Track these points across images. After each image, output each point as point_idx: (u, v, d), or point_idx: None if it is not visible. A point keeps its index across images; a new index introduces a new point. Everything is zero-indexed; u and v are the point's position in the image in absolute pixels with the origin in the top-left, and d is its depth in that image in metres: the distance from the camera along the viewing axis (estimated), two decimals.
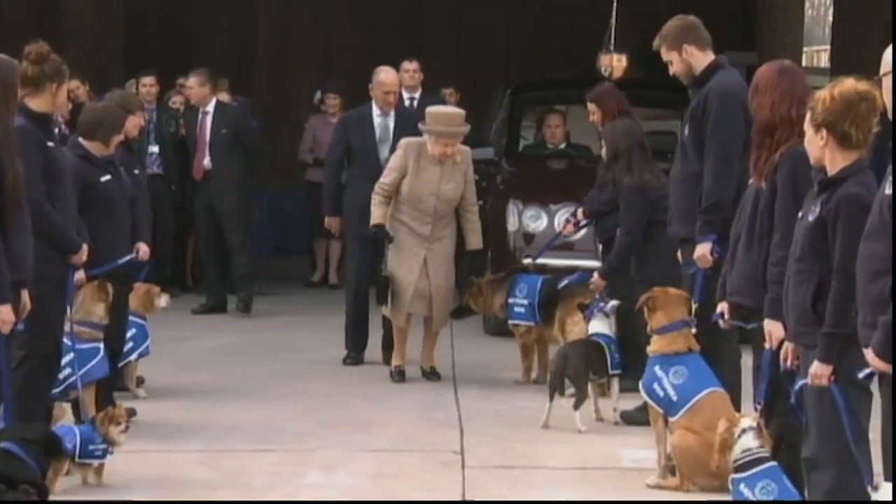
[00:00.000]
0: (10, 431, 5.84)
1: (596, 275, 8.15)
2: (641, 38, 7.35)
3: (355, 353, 9.38)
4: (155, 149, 11.86)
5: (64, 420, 6.81)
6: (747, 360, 6.29)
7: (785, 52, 14.09)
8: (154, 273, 8.69)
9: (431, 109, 8.84)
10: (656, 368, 6.55)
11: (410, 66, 11.47)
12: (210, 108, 11.46)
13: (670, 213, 7.18)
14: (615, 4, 12.08)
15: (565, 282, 8.50)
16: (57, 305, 6.43)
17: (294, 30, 17.14)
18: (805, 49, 16.38)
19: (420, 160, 8.63)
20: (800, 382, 5.16)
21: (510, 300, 8.84)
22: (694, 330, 6.59)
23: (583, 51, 13.24)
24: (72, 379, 6.77)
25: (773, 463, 5.65)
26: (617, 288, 8.09)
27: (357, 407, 8.18)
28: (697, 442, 6.28)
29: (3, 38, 7.51)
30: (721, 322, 6.00)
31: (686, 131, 7.09)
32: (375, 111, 9.41)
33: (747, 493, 5.63)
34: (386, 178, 8.72)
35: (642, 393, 6.65)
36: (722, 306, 5.99)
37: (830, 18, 16.09)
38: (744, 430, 5.71)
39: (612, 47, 11.16)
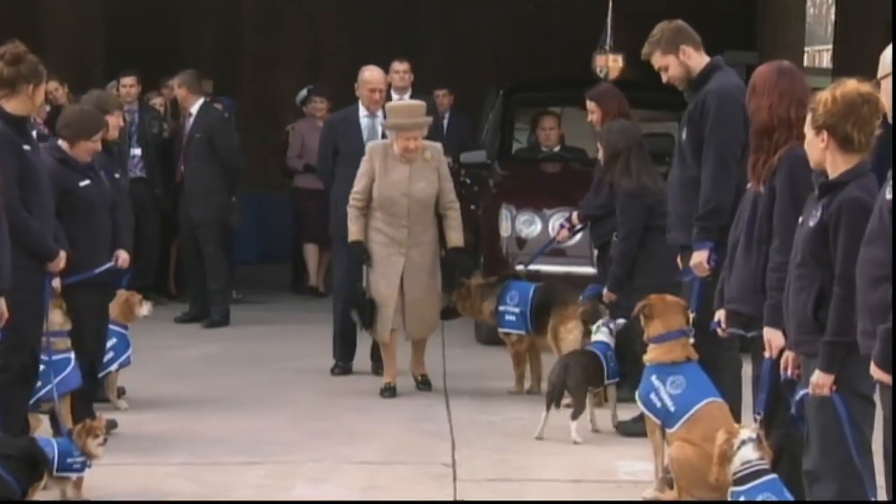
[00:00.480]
0: None
1: (606, 290, 8.00)
2: (638, 39, 7.19)
3: (343, 363, 9.26)
4: (138, 151, 11.72)
5: (39, 432, 6.68)
6: (748, 370, 6.20)
7: (786, 52, 14.01)
8: (136, 280, 8.54)
9: (389, 104, 8.68)
10: (653, 378, 6.45)
11: (401, 66, 11.34)
12: (194, 110, 11.29)
13: (669, 220, 7.09)
14: (611, 4, 11.99)
15: (581, 299, 8.31)
16: (34, 315, 6.31)
17: (281, 30, 17.03)
18: (807, 49, 16.34)
19: (387, 161, 8.42)
20: (801, 392, 5.10)
21: (501, 307, 8.71)
22: (692, 339, 6.45)
23: (578, 51, 13.13)
24: (44, 391, 6.60)
25: (773, 475, 5.57)
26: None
27: (346, 418, 8.09)
28: (696, 454, 6.19)
29: None
30: (719, 330, 5.87)
31: (684, 135, 6.97)
32: (362, 112, 9.25)
33: None
34: (356, 186, 8.53)
35: (639, 403, 6.56)
36: (720, 314, 5.88)
37: (833, 17, 16.02)
38: (743, 442, 5.64)
39: (607, 47, 11.06)
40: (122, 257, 7.38)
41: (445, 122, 12.87)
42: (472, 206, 11.55)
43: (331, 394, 8.69)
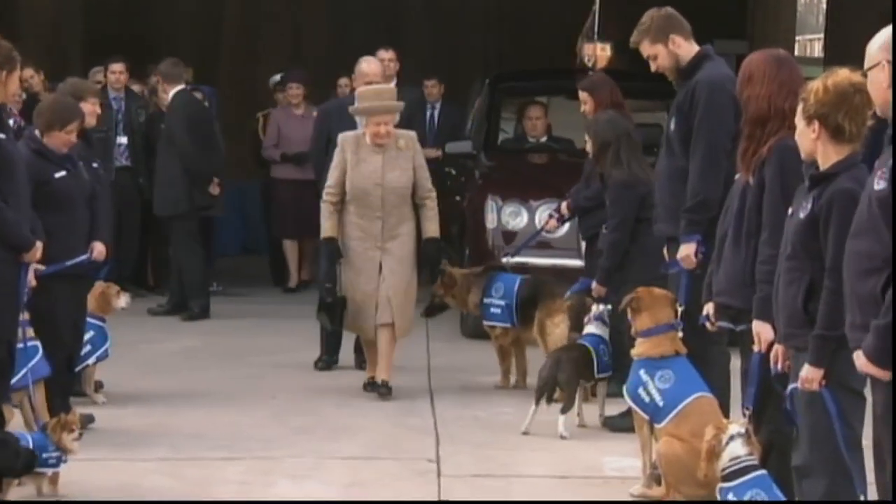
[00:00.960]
0: None
1: (595, 283, 7.89)
2: (627, 28, 7.09)
3: (328, 357, 9.11)
4: (124, 140, 11.63)
5: (11, 425, 6.55)
6: (736, 364, 6.14)
7: (777, 41, 13.96)
8: (116, 272, 8.43)
9: (359, 89, 8.48)
10: (641, 372, 6.38)
11: (386, 55, 11.21)
12: (170, 99, 11.17)
13: (656, 212, 7.03)
14: None
15: (568, 293, 8.20)
16: (10, 307, 6.19)
17: (263, 19, 16.92)
18: (798, 38, 16.31)
19: (359, 151, 8.18)
20: (791, 387, 5.05)
21: (486, 300, 8.63)
22: (681, 333, 6.37)
23: (565, 40, 13.05)
24: (15, 379, 6.48)
25: (762, 471, 5.53)
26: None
27: (328, 413, 8.00)
28: (684, 449, 6.14)
29: None
30: (708, 324, 5.79)
31: (672, 125, 6.90)
32: (356, 115, 8.85)
33: None
34: (329, 179, 8.32)
35: (626, 398, 6.49)
36: (708, 307, 5.82)
37: (824, 6, 15.97)
38: (732, 437, 5.60)
39: (595, 36, 10.98)
40: (98, 249, 7.26)
41: (436, 112, 12.77)
42: (458, 198, 11.47)
43: (313, 388, 8.61)
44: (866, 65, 4.62)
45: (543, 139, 11.23)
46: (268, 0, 17.08)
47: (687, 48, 6.86)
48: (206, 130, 11.36)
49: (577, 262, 9.44)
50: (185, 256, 11.04)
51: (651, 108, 11.24)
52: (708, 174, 6.63)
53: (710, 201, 6.55)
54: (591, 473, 6.74)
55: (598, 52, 11.77)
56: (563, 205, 8.68)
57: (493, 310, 8.59)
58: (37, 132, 7.13)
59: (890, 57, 4.53)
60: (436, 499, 6.34)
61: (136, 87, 12.15)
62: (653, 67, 6.94)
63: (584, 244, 8.84)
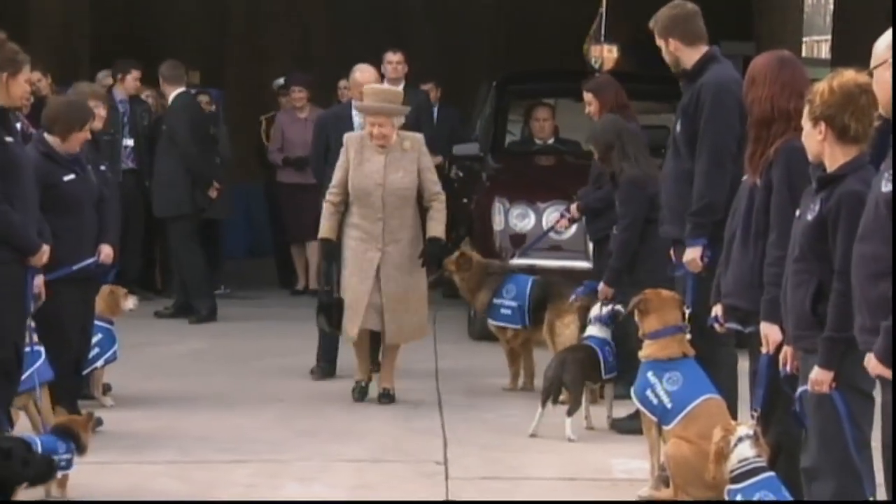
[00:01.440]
0: None
1: (602, 284, 7.82)
2: (633, 29, 7.08)
3: (325, 364, 8.93)
4: (130, 142, 11.63)
5: (17, 428, 6.57)
6: (744, 365, 6.12)
7: (784, 43, 13.93)
8: (122, 275, 8.43)
9: (368, 87, 8.37)
10: (649, 374, 6.36)
11: (394, 57, 11.21)
12: (171, 101, 11.15)
13: (662, 213, 7.02)
14: None
15: (573, 295, 8.15)
16: (16, 310, 6.18)
17: (268, 22, 16.93)
18: (805, 39, 16.29)
19: (363, 151, 8.06)
20: (801, 389, 5.03)
21: (496, 300, 8.60)
22: (688, 335, 6.35)
23: (572, 41, 13.03)
24: (27, 382, 6.49)
25: (770, 473, 5.50)
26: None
27: (335, 415, 7.99)
28: (692, 451, 6.12)
29: None
30: (717, 326, 5.77)
31: (678, 127, 6.88)
32: (355, 111, 8.83)
33: None
34: (333, 179, 8.13)
35: (634, 400, 6.47)
36: (716, 309, 5.80)
37: (831, 7, 15.94)
38: (740, 439, 5.58)
39: (602, 37, 10.97)
40: (105, 252, 7.26)
41: (434, 115, 12.76)
42: (465, 200, 11.46)
43: (320, 391, 8.59)
44: (872, 63, 4.61)
45: (551, 141, 11.22)
46: (272, 2, 17.08)
47: (687, 53, 6.81)
48: (206, 133, 11.37)
49: (585, 264, 9.43)
50: (185, 257, 11.05)
51: (657, 109, 11.23)
52: (713, 177, 6.60)
53: (716, 204, 6.53)
54: (600, 475, 6.72)
55: (604, 54, 11.75)
56: (574, 206, 8.67)
57: (503, 311, 8.56)
58: (45, 135, 7.14)
59: None
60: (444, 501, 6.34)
61: (147, 91, 12.16)
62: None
63: (591, 246, 8.82)
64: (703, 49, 6.83)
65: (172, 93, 11.10)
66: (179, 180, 10.99)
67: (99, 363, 7.88)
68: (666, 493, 6.29)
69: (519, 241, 9.99)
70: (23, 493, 5.93)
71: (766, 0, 16.66)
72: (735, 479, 5.52)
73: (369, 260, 8.05)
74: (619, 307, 7.61)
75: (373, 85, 8.34)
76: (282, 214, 12.66)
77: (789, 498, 5.42)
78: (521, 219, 10.22)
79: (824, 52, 16.79)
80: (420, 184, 8.11)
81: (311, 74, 13.08)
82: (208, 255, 12.63)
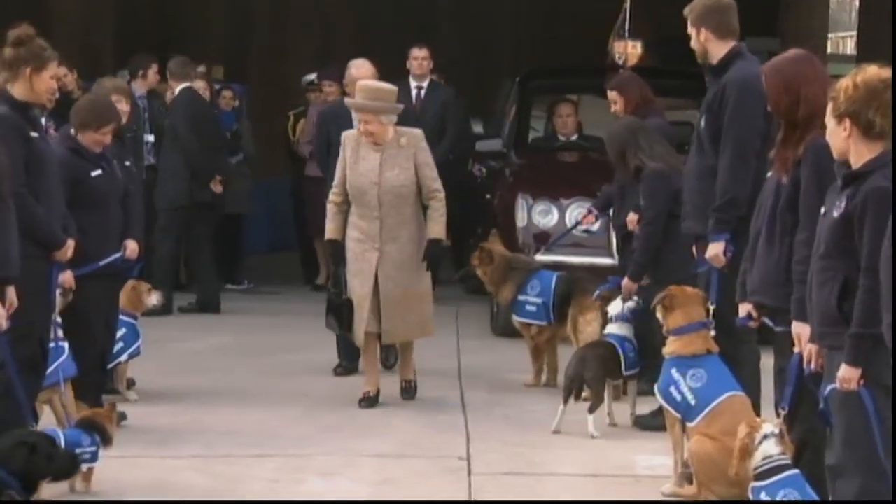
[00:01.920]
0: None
1: (625, 279, 7.77)
2: (657, 25, 7.07)
3: (347, 362, 8.87)
4: (151, 138, 11.65)
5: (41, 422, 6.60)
6: (767, 363, 6.10)
7: (809, 39, 13.87)
8: (147, 270, 8.46)
9: (360, 83, 8.19)
10: (673, 371, 6.34)
11: (420, 52, 11.16)
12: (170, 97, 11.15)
13: (685, 209, 6.98)
14: None
15: (598, 292, 8.08)
16: (41, 304, 6.21)
17: (291, 16, 16.93)
18: (830, 35, 16.20)
19: (360, 149, 7.88)
20: (828, 387, 4.99)
21: (521, 297, 8.59)
22: (712, 332, 6.33)
23: (595, 37, 13.02)
24: (51, 377, 6.51)
25: (795, 471, 5.49)
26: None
27: (358, 411, 7.99)
28: (716, 448, 6.10)
29: None
30: (751, 323, 5.76)
31: (702, 123, 6.87)
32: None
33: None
34: (334, 179, 7.98)
35: (658, 397, 6.45)
36: (745, 307, 5.77)
37: (857, 3, 15.86)
38: (765, 437, 5.57)
39: (626, 34, 10.94)
40: (131, 248, 7.28)
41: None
42: (488, 196, 11.45)
43: (343, 386, 8.57)
44: None
45: (574, 137, 11.20)
46: None
47: (717, 45, 6.80)
48: (210, 128, 11.36)
49: (608, 261, 9.41)
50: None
51: (682, 105, 11.19)
52: (737, 172, 6.59)
53: (739, 200, 6.52)
54: (622, 472, 6.70)
55: (628, 50, 11.74)
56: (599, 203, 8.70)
57: (528, 307, 8.55)
58: (72, 130, 7.16)
59: None
60: (466, 497, 6.31)
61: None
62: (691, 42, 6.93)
63: (615, 242, 8.79)
64: (732, 44, 6.82)
65: (178, 88, 11.11)
66: (181, 174, 11.01)
67: (123, 358, 7.90)
68: (689, 490, 6.27)
69: (542, 238, 9.97)
70: (47, 488, 5.95)
71: None
72: (759, 477, 5.51)
73: (368, 260, 7.90)
74: (633, 300, 7.57)
75: (365, 81, 8.08)
76: (307, 208, 12.67)
77: (813, 496, 5.40)
78: (545, 215, 10.20)
79: (850, 48, 16.70)
80: (418, 180, 7.92)
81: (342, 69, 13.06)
82: (231, 251, 12.70)
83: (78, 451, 6.03)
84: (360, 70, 8.69)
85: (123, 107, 7.87)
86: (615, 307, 7.69)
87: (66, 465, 5.84)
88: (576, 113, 11.19)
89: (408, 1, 16.76)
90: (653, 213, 7.65)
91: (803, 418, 5.45)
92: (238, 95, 12.92)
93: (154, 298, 8.16)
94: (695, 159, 6.92)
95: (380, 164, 7.85)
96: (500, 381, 8.74)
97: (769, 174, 5.78)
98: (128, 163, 7.72)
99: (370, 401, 8.02)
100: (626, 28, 10.95)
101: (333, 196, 8.02)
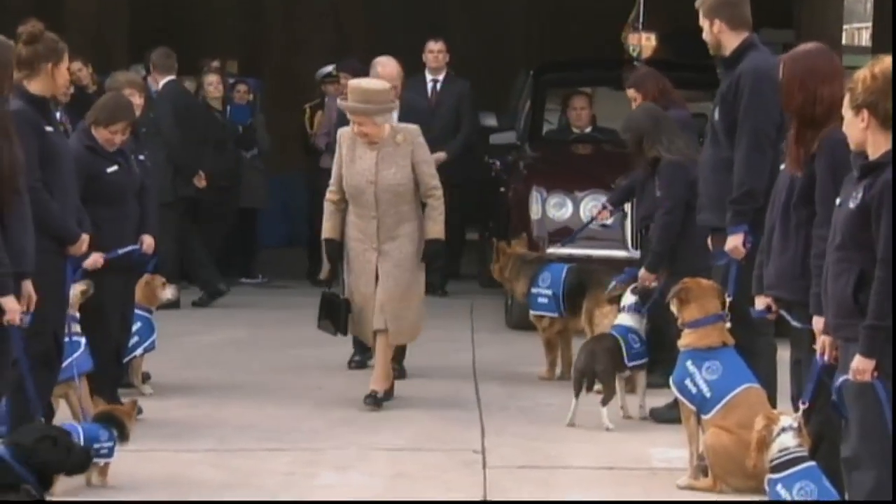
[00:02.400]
0: (16, 435, 5.66)
1: (642, 270, 7.74)
2: (671, 17, 7.05)
3: (361, 356, 8.77)
4: None
5: (57, 417, 6.61)
6: (783, 355, 6.07)
7: (824, 30, 13.82)
8: (160, 265, 8.45)
9: (351, 82, 7.92)
10: (688, 363, 6.33)
11: (435, 46, 11.14)
12: (160, 89, 11.01)
13: (700, 201, 6.96)
14: None
15: (613, 283, 8.03)
16: (56, 299, 6.21)
17: (305, 12, 16.92)
18: (845, 27, 16.11)
19: (356, 148, 7.71)
20: (841, 378, 4.97)
21: (533, 290, 8.59)
22: (728, 324, 6.31)
23: (608, 28, 12.98)
24: (66, 372, 6.52)
25: (811, 463, 5.50)
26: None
27: None
28: (732, 441, 6.10)
29: (3, 20, 7.25)
30: (769, 316, 5.76)
31: (716, 115, 6.85)
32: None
33: (784, 495, 5.47)
34: (331, 177, 7.83)
35: (673, 389, 6.43)
36: (761, 300, 5.76)
37: None
38: (783, 429, 5.58)
39: (640, 26, 10.92)
40: (147, 242, 7.30)
41: None
42: (502, 189, 11.44)
43: (357, 380, 8.52)
44: None
45: (588, 130, 11.18)
46: None
47: (729, 37, 6.78)
48: (196, 122, 11.29)
49: (623, 253, 9.39)
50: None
51: (696, 97, 11.15)
52: (753, 164, 6.58)
53: (756, 191, 6.51)
54: (638, 465, 6.68)
55: (643, 42, 11.69)
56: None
57: (540, 300, 8.54)
58: (88, 127, 7.17)
59: None
60: (481, 490, 6.28)
61: (188, 83, 12.16)
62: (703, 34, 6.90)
63: (630, 234, 8.77)
64: (745, 35, 6.79)
65: (162, 81, 11.02)
66: (164, 169, 10.97)
67: (138, 352, 7.89)
68: (705, 483, 6.26)
69: (556, 230, 9.95)
70: (62, 482, 5.95)
71: None
72: (775, 469, 5.52)
73: (368, 261, 7.76)
74: (636, 294, 7.53)
75: (356, 82, 7.87)
76: (320, 201, 12.64)
77: (829, 488, 5.40)
78: (559, 208, 10.18)
79: (865, 39, 16.62)
80: (416, 178, 7.75)
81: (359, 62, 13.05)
82: (245, 245, 12.70)
83: (95, 445, 6.04)
84: (386, 68, 8.56)
85: (137, 100, 7.87)
86: (626, 298, 7.68)
87: (82, 459, 5.85)
88: (590, 105, 11.16)
89: None
90: (671, 203, 7.61)
91: (819, 410, 5.44)
92: (252, 89, 12.91)
93: (169, 292, 8.16)
94: (709, 151, 6.90)
95: (376, 163, 7.69)
96: (515, 375, 8.73)
97: (782, 167, 5.75)
98: (142, 157, 7.73)
99: (377, 400, 7.80)
100: (640, 20, 10.91)
101: (330, 194, 7.88)
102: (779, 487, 5.49)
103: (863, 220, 4.83)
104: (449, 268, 12.13)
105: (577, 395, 7.36)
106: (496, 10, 16.92)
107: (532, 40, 16.82)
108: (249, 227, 12.75)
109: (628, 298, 7.67)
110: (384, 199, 7.71)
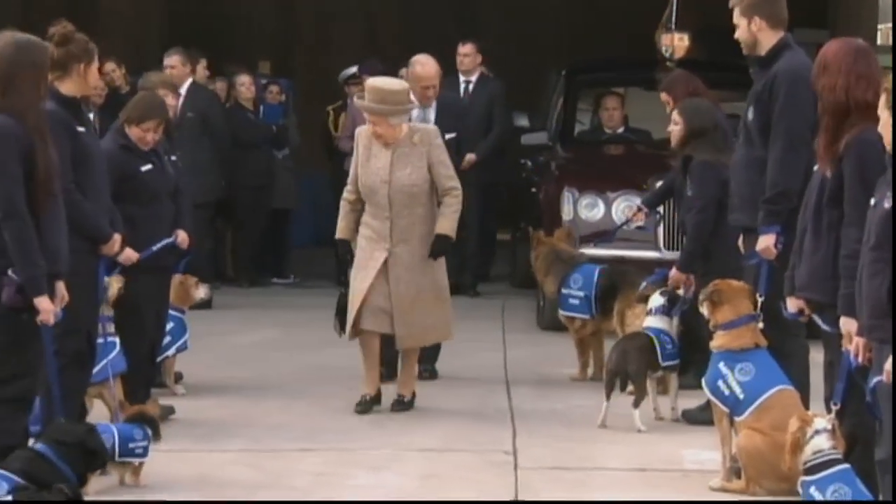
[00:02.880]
0: (51, 432, 5.70)
1: (673, 269, 7.69)
2: (704, 17, 7.02)
3: (386, 369, 8.03)
4: None
5: (91, 416, 6.65)
6: (816, 356, 6.03)
7: (859, 30, 13.70)
8: (192, 265, 8.47)
9: (368, 81, 7.79)
10: (721, 365, 6.30)
11: (463, 49, 11.14)
12: (183, 89, 11.02)
13: (732, 201, 6.92)
14: None
15: (644, 284, 7.98)
16: (89, 299, 6.25)
17: (336, 9, 16.95)
18: (880, 26, 15.96)
19: (372, 147, 7.59)
20: (875, 380, 4.92)
21: (564, 290, 8.57)
22: (760, 324, 6.28)
23: (641, 28, 12.95)
24: (95, 371, 6.54)
25: (845, 465, 5.48)
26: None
27: None
28: (765, 443, 6.08)
29: (36, 21, 7.29)
30: (801, 318, 5.73)
31: (750, 115, 6.81)
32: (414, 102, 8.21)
33: (818, 497, 5.46)
34: (349, 176, 7.75)
35: (706, 391, 6.40)
36: (793, 302, 5.73)
37: None
38: (817, 431, 5.57)
39: (673, 26, 10.88)
40: (182, 237, 7.32)
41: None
42: (533, 189, 11.42)
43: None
44: None
45: (620, 130, 11.15)
46: None
47: (767, 35, 6.75)
48: (218, 125, 11.28)
49: (654, 254, 9.35)
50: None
51: (728, 98, 11.11)
52: (788, 164, 6.55)
53: (790, 192, 6.48)
54: (670, 466, 6.66)
55: (675, 42, 11.67)
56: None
57: (571, 300, 8.52)
58: (122, 126, 7.21)
59: None
60: (513, 490, 6.27)
61: (219, 84, 12.19)
62: (735, 34, 6.85)
63: (664, 235, 8.73)
64: (781, 34, 6.76)
65: (186, 81, 10.85)
66: (211, 166, 10.97)
67: (171, 352, 7.92)
68: (738, 485, 6.24)
69: (588, 231, 9.92)
70: (96, 482, 5.98)
71: None
72: (809, 471, 5.51)
73: (375, 259, 7.60)
74: (666, 295, 7.50)
75: (373, 81, 7.74)
76: None
77: (863, 490, 5.38)
78: (591, 208, 10.14)
79: None
80: (433, 178, 7.63)
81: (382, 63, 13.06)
82: (276, 245, 12.72)
83: (130, 445, 6.07)
84: (425, 67, 8.44)
85: (171, 101, 7.89)
86: (654, 300, 7.64)
87: (105, 460, 5.90)
88: (622, 106, 11.12)
89: None
90: (704, 202, 7.54)
91: (853, 413, 5.42)
92: (284, 90, 12.93)
93: (202, 291, 8.20)
94: (742, 151, 6.87)
95: (391, 163, 7.57)
96: (546, 375, 8.71)
97: (815, 168, 5.72)
98: (174, 157, 7.75)
99: (365, 405, 7.68)
100: (673, 20, 10.88)
101: (347, 194, 7.79)
102: (812, 490, 5.47)
103: None
104: (480, 269, 12.13)
105: (608, 396, 7.34)
106: (529, 10, 16.88)
107: (564, 40, 16.78)
108: (281, 228, 12.78)
109: (655, 301, 7.63)
110: (397, 200, 7.59)
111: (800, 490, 5.56)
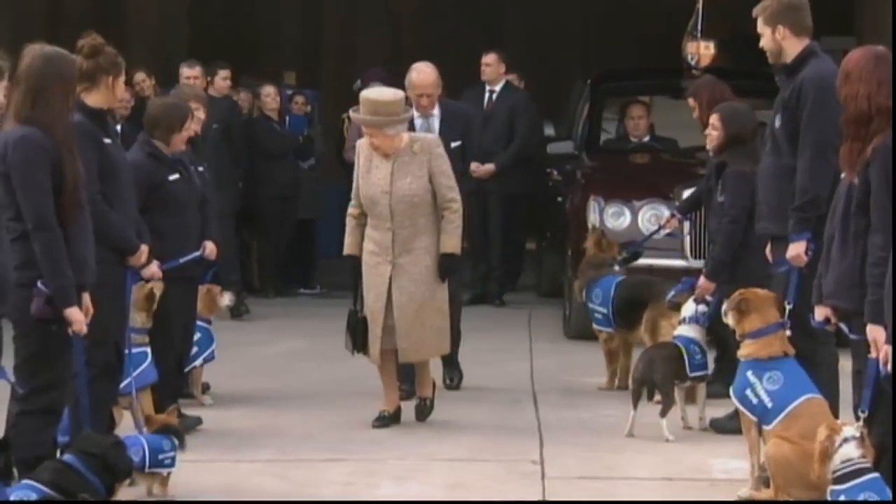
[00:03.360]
0: (79, 443, 5.71)
1: (702, 278, 7.65)
2: (730, 25, 7.00)
3: (406, 386, 8.02)
4: None
5: (121, 428, 6.65)
6: (845, 364, 6.01)
7: (885, 37, 13.65)
8: (219, 276, 8.51)
9: (361, 93, 7.68)
10: (749, 374, 6.26)
11: (486, 58, 11.14)
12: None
13: (760, 209, 6.89)
14: None
15: (672, 293, 7.94)
16: (117, 310, 6.26)
17: (362, 19, 16.98)
18: None
19: (373, 158, 7.53)
20: None
21: (590, 304, 8.57)
22: (788, 332, 6.26)
23: (667, 37, 12.93)
24: (123, 385, 6.56)
25: (875, 474, 5.43)
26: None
27: (431, 414, 7.91)
28: (793, 452, 6.03)
29: (65, 33, 7.34)
30: (828, 327, 5.70)
31: (777, 122, 6.79)
32: (414, 112, 8.11)
33: None
34: (353, 191, 7.67)
35: (734, 400, 6.37)
36: (820, 310, 5.70)
37: None
38: (846, 440, 5.51)
39: (699, 34, 10.85)
40: (210, 248, 7.35)
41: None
42: (559, 198, 11.41)
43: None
44: None
45: (646, 139, 11.13)
46: (367, 1, 17.13)
47: (792, 43, 6.73)
48: (237, 136, 11.33)
49: (681, 262, 9.32)
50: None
51: (754, 106, 11.08)
52: (817, 171, 6.52)
53: (820, 199, 6.45)
54: (698, 475, 6.64)
55: (701, 51, 11.63)
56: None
57: (596, 315, 8.53)
58: (149, 136, 7.25)
59: None
60: (539, 500, 6.28)
61: (243, 95, 12.22)
62: (760, 43, 6.84)
63: (691, 243, 8.69)
64: (807, 42, 6.75)
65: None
66: (234, 176, 11.00)
67: (198, 362, 7.94)
68: (766, 494, 6.20)
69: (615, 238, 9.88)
70: (123, 492, 5.99)
71: None
72: (838, 480, 5.46)
73: (381, 274, 7.55)
74: (705, 303, 7.46)
75: (367, 93, 7.68)
76: None
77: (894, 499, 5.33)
78: (617, 217, 10.12)
79: None
80: (433, 189, 7.54)
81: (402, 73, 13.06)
82: (304, 256, 12.74)
83: (160, 456, 6.09)
84: (421, 75, 8.27)
85: (201, 115, 7.93)
86: (687, 309, 7.61)
87: (125, 475, 5.91)
88: (648, 114, 11.11)
89: (476, 3, 16.73)
90: (736, 211, 7.51)
91: (881, 421, 5.40)
92: (310, 101, 12.96)
93: (227, 299, 8.22)
94: (770, 159, 6.85)
95: (391, 173, 7.50)
96: (574, 385, 8.70)
97: (842, 175, 5.70)
98: (201, 168, 7.78)
99: (384, 419, 7.62)
100: (699, 28, 10.85)
101: (352, 209, 7.71)
102: (842, 499, 5.42)
103: None
104: (506, 278, 12.12)
105: (635, 406, 7.32)
106: (553, 19, 16.88)
107: (589, 49, 16.77)
108: (307, 238, 12.80)
109: (688, 310, 7.60)
110: (399, 210, 7.51)
111: (829, 499, 5.51)
